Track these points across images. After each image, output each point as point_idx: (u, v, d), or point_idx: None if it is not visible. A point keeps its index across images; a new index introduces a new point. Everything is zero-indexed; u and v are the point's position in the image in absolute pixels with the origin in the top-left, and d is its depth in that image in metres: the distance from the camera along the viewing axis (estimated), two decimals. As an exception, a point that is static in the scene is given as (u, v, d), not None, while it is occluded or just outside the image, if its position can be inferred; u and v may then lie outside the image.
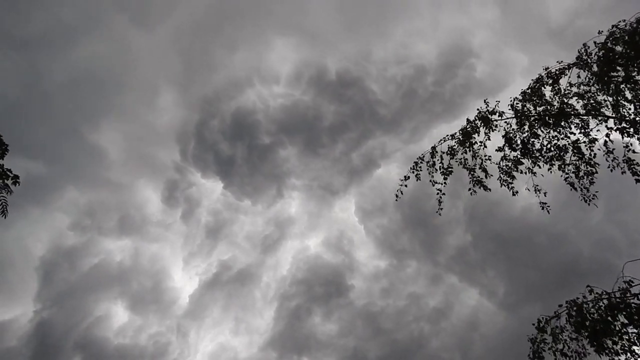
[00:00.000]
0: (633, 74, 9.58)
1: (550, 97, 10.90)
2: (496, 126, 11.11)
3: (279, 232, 59.56)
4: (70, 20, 69.39)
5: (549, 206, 11.04)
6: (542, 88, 10.86)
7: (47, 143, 65.87)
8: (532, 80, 10.99)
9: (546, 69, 10.89)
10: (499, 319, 43.50)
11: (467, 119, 11.13)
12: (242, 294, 52.87)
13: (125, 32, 72.69)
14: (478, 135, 11.13)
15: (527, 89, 11.00)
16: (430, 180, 11.24)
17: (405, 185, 11.14)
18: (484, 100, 11.10)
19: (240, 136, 62.72)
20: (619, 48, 9.63)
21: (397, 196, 11.06)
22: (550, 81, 10.82)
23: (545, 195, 11.07)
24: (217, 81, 69.79)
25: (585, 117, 10.63)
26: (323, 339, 45.95)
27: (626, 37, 9.46)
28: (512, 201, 51.83)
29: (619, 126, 10.10)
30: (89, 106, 72.30)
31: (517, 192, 11.19)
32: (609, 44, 9.76)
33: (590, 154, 10.49)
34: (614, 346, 8.10)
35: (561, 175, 10.91)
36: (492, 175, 11.18)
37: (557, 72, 10.79)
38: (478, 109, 11.10)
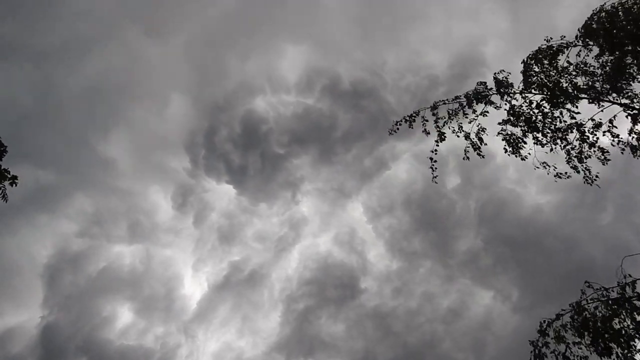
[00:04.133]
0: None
1: (553, 73, 10.87)
2: (504, 96, 11.13)
3: (292, 235, 59.64)
4: (85, 32, 69.93)
5: (568, 175, 11.10)
6: (543, 60, 10.82)
7: (58, 152, 66.65)
8: (532, 52, 10.92)
9: (548, 41, 10.79)
10: (513, 320, 42.96)
11: (478, 82, 11.21)
12: (252, 295, 53.06)
13: (139, 44, 73.34)
14: (486, 101, 11.17)
15: (527, 58, 10.95)
16: (423, 131, 11.43)
17: (398, 129, 11.60)
18: (500, 70, 11.22)
19: (253, 144, 63.31)
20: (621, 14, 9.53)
21: (390, 132, 11.63)
22: (549, 55, 10.76)
23: (555, 169, 11.07)
24: (229, 90, 70.17)
25: (591, 100, 10.58)
26: (329, 340, 45.78)
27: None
28: (521, 201, 51.43)
29: (630, 112, 10.02)
30: (100, 116, 72.71)
31: (526, 157, 11.23)
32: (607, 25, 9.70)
33: (594, 138, 10.47)
34: (618, 349, 7.99)
35: (565, 159, 10.94)
36: (486, 144, 11.28)
37: (557, 47, 10.71)
38: (494, 74, 11.18)
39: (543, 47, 10.77)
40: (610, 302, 8.25)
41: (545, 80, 10.68)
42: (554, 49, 10.65)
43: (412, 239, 54.95)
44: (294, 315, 48.28)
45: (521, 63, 11.03)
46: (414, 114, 11.36)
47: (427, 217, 56.50)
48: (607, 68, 10.13)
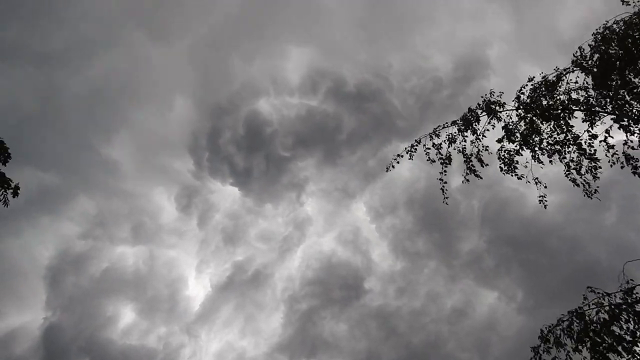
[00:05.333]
0: (630, 78, 9.51)
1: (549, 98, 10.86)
2: (499, 118, 11.16)
3: (296, 235, 59.80)
4: (88, 34, 70.47)
5: (546, 200, 11.30)
6: (540, 98, 10.89)
7: (61, 154, 67.08)
8: (530, 89, 11.01)
9: (543, 77, 10.82)
10: (517, 321, 42.95)
11: (469, 108, 11.29)
12: (255, 295, 53.23)
13: (143, 46, 73.70)
14: (478, 124, 11.28)
15: (527, 98, 11.02)
16: (427, 160, 11.60)
17: (398, 162, 11.72)
18: (490, 91, 11.21)
19: (257, 145, 63.49)
20: (612, 51, 9.57)
21: (387, 169, 11.82)
22: (547, 88, 10.80)
23: (545, 188, 11.27)
24: (233, 92, 70.27)
25: (586, 113, 10.62)
26: (332, 340, 45.86)
27: (616, 39, 9.43)
28: (525, 201, 51.34)
29: (622, 123, 10.02)
30: (103, 118, 73.33)
31: (522, 176, 11.34)
32: (602, 47, 9.70)
33: (590, 150, 10.48)
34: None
35: (564, 172, 10.95)
36: (488, 165, 11.41)
37: (554, 79, 10.70)
38: (482, 97, 11.21)
39: (540, 82, 10.81)
40: (612, 306, 8.25)
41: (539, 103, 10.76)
42: (551, 82, 10.70)
43: (415, 239, 55.14)
44: (296, 315, 48.51)
45: (519, 93, 11.11)
46: (416, 143, 11.51)
47: (430, 217, 56.67)
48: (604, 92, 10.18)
